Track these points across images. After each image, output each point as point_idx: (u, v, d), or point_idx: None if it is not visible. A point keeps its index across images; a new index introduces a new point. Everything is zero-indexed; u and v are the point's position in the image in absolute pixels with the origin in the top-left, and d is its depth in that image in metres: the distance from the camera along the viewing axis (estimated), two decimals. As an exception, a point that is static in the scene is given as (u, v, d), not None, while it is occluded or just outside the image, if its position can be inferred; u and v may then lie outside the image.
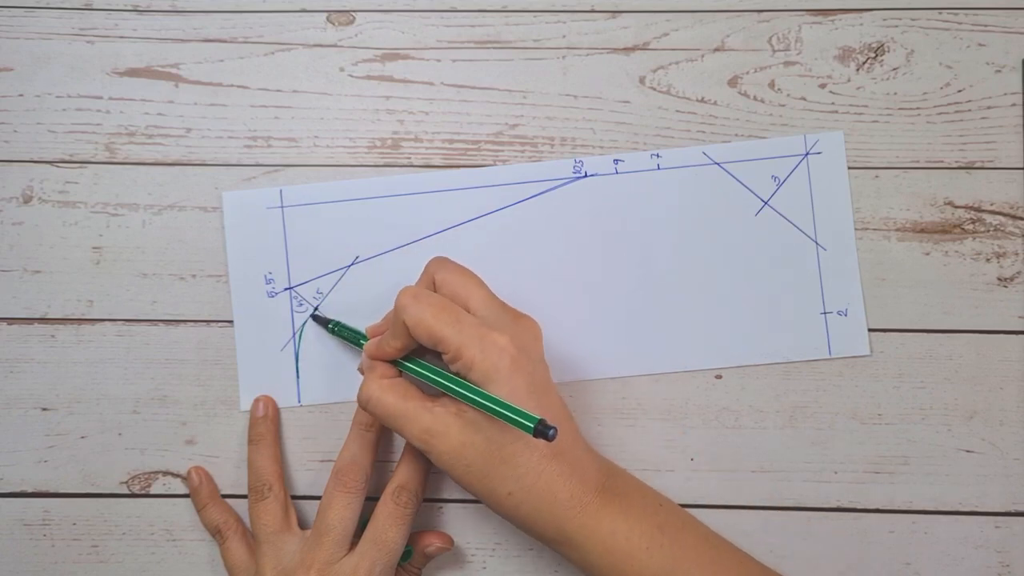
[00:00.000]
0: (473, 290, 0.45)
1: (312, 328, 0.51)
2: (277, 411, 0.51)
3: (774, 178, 0.51)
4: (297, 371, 0.51)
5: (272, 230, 0.51)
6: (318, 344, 0.51)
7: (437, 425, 0.43)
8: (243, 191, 0.51)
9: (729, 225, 0.51)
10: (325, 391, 0.51)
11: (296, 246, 0.51)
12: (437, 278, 0.46)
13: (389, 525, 0.46)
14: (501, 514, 0.45)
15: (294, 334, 0.51)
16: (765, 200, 0.51)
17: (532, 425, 0.39)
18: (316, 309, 0.51)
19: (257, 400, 0.51)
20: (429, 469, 0.49)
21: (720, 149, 0.51)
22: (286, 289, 0.51)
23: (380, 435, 0.49)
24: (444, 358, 0.44)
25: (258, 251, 0.51)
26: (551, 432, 0.39)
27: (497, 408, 0.41)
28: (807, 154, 0.51)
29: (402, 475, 0.48)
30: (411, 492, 0.47)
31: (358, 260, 0.51)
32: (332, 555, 0.46)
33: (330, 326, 0.50)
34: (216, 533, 0.49)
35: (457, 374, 0.44)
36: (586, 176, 0.52)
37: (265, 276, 0.51)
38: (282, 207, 0.51)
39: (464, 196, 0.52)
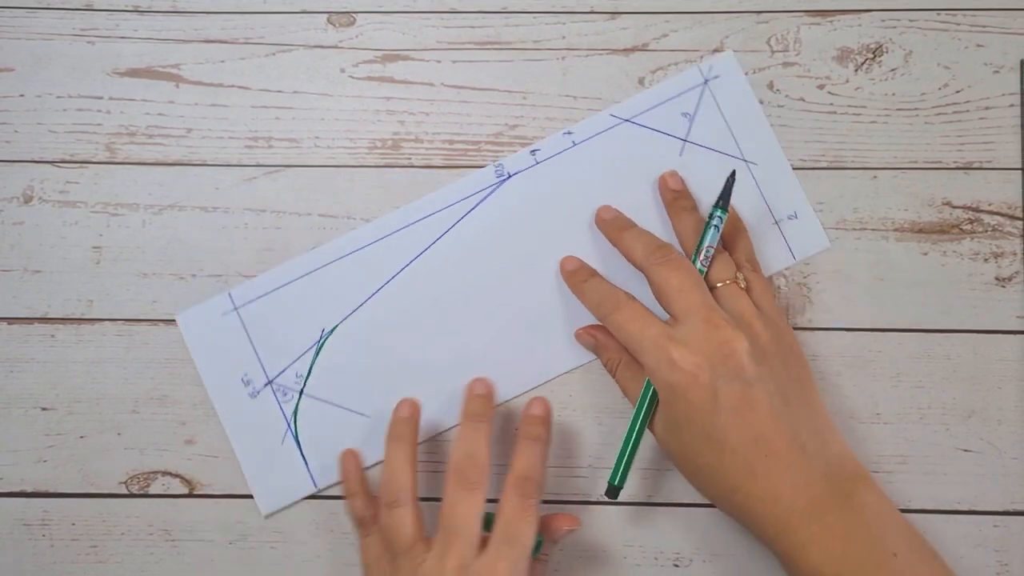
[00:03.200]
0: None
1: (306, 408, 0.51)
2: (419, 414, 0.49)
3: (685, 115, 0.52)
4: (303, 457, 0.51)
5: (234, 334, 0.51)
6: (315, 422, 0.51)
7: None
8: (194, 308, 0.51)
9: (658, 174, 0.51)
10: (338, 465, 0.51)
11: (262, 340, 0.51)
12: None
13: (519, 520, 0.44)
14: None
15: (288, 424, 0.51)
16: (684, 138, 0.51)
17: (608, 482, 0.47)
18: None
19: (403, 401, 0.49)
20: (547, 456, 0.47)
21: (625, 106, 0.52)
22: (266, 384, 0.51)
23: (492, 425, 0.47)
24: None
25: (227, 359, 0.51)
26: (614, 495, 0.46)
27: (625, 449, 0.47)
28: (706, 81, 0.52)
29: (522, 465, 0.45)
30: (535, 481, 0.45)
31: (325, 332, 0.51)
32: (465, 557, 0.43)
33: None
34: (360, 525, 0.48)
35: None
36: (509, 177, 0.52)
37: (242, 379, 0.51)
38: (236, 309, 0.51)
39: (403, 236, 0.51)
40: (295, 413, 0.51)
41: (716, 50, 0.52)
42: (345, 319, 0.51)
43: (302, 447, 0.51)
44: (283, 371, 0.51)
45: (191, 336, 0.51)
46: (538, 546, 0.46)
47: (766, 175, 0.51)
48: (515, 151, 0.52)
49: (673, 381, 0.44)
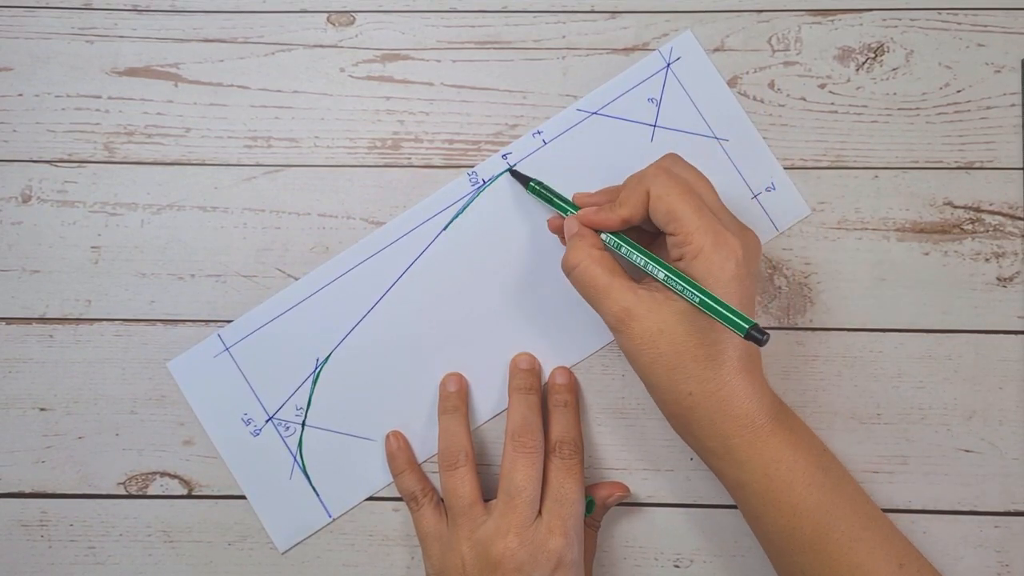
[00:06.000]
0: (706, 191, 0.45)
1: (310, 440, 0.51)
2: (466, 386, 0.51)
3: (651, 100, 0.52)
4: (314, 489, 0.50)
5: (228, 374, 0.51)
6: (321, 453, 0.50)
7: (639, 307, 0.43)
8: (184, 354, 0.51)
9: (631, 163, 0.50)
10: (350, 493, 0.51)
11: (257, 377, 0.51)
12: (674, 170, 0.45)
13: (563, 480, 0.46)
14: (670, 412, 0.45)
15: (294, 457, 0.50)
16: (653, 124, 0.51)
17: (746, 327, 0.39)
18: (513, 166, 0.51)
19: (449, 376, 0.50)
20: (579, 418, 0.50)
21: (591, 98, 0.52)
22: (267, 421, 0.51)
23: (541, 396, 0.50)
24: (672, 240, 0.43)
25: (224, 400, 0.51)
26: (764, 338, 0.39)
27: (713, 303, 0.41)
28: (668, 65, 0.52)
29: (557, 430, 0.48)
30: (571, 443, 0.48)
31: (319, 361, 0.51)
32: (526, 517, 0.45)
33: (531, 184, 0.50)
34: (411, 500, 0.49)
35: (675, 261, 0.44)
36: (484, 184, 0.51)
37: (242, 419, 0.51)
38: (227, 349, 0.51)
39: (386, 256, 0.51)
40: (300, 446, 0.50)
41: (717, 49, 0.52)
42: (338, 346, 0.51)
43: (311, 479, 0.50)
44: (282, 405, 0.51)
45: (185, 382, 0.51)
46: (589, 506, 0.48)
47: (739, 150, 0.51)
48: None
49: None
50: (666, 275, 0.43)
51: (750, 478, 0.43)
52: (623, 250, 0.45)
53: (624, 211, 0.45)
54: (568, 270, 0.45)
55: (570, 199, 0.48)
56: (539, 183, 0.49)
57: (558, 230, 0.49)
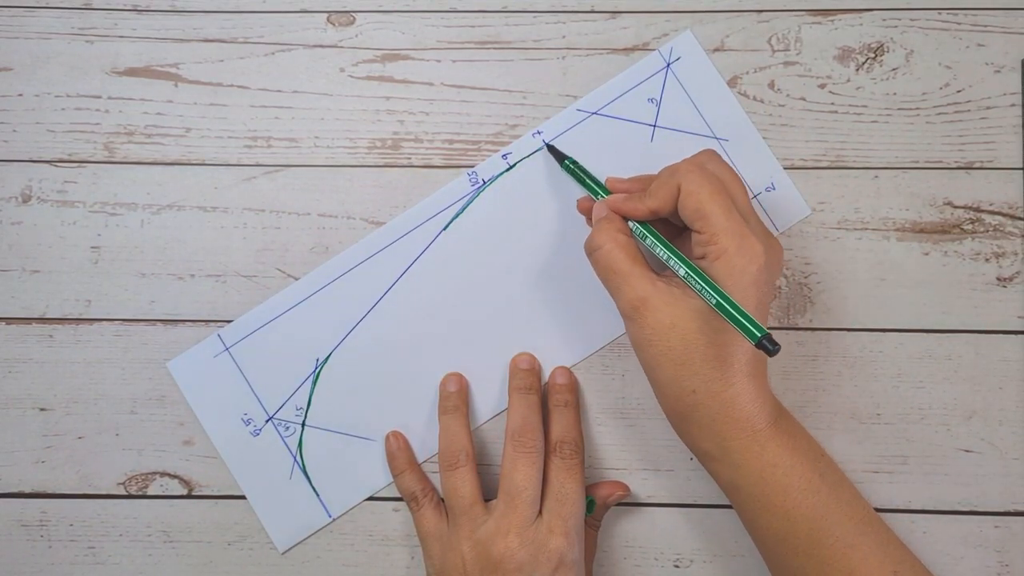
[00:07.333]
0: (738, 192, 0.45)
1: (310, 440, 0.51)
2: (467, 386, 0.51)
3: (651, 100, 0.52)
4: (314, 489, 0.50)
5: (228, 374, 0.51)
6: (321, 453, 0.50)
7: (656, 298, 0.43)
8: (184, 354, 0.51)
9: (631, 163, 0.51)
10: (350, 493, 0.51)
11: (257, 377, 0.51)
12: (708, 167, 0.45)
13: (564, 479, 0.47)
14: (671, 409, 0.45)
15: (294, 457, 0.50)
16: (653, 124, 0.51)
17: (759, 335, 0.39)
18: (549, 142, 0.51)
19: (449, 376, 0.50)
20: (579, 418, 0.50)
21: (591, 98, 0.52)
22: (267, 421, 0.51)
23: (541, 396, 0.50)
24: (697, 238, 0.43)
25: (224, 400, 0.51)
26: (775, 348, 0.39)
27: (729, 307, 0.41)
28: (668, 65, 0.52)
29: (557, 430, 0.48)
30: (571, 443, 0.48)
31: (319, 361, 0.51)
32: (527, 517, 0.45)
33: (566, 162, 0.50)
34: (412, 500, 0.49)
35: (698, 259, 0.43)
36: (484, 184, 0.51)
37: (242, 419, 0.51)
38: (227, 349, 0.51)
39: (386, 256, 0.51)
40: (300, 446, 0.50)
41: (717, 49, 0.52)
42: (338, 346, 0.51)
43: (311, 479, 0.50)
44: (282, 405, 0.51)
45: (185, 383, 0.51)
46: (590, 506, 0.48)
47: (739, 150, 0.51)
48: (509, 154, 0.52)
49: None
50: (686, 272, 0.43)
51: (745, 482, 0.43)
52: (647, 241, 0.45)
53: (653, 203, 0.45)
54: (590, 251, 0.45)
55: (603, 182, 0.48)
56: (574, 162, 0.50)
57: (586, 211, 0.49)
